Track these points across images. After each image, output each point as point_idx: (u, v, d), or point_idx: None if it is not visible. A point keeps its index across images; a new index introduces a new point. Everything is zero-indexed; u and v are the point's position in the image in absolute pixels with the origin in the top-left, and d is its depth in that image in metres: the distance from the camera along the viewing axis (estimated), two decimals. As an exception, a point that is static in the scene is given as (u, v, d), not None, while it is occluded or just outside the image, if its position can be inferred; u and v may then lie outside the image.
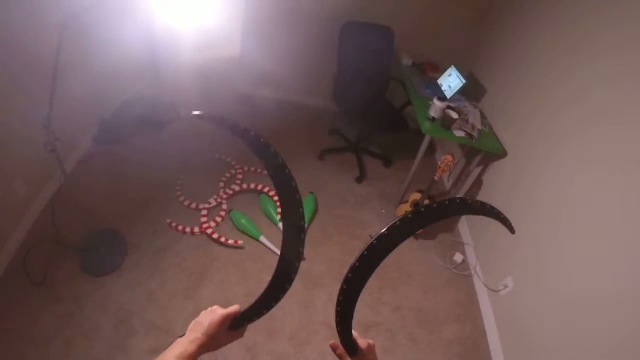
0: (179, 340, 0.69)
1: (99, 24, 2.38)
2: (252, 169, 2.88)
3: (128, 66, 3.02)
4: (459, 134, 2.50)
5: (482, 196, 2.75)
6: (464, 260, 2.69)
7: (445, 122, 2.49)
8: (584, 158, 1.85)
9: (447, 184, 3.34)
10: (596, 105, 1.83)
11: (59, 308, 1.86)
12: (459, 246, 2.81)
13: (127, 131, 2.90)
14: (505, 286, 2.25)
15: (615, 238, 1.60)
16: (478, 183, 2.80)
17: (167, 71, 3.45)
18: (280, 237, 2.54)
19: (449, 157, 2.39)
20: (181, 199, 2.52)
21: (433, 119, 2.53)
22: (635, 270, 1.47)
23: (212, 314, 0.73)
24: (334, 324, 0.72)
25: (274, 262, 2.44)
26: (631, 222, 1.54)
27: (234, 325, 0.75)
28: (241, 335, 0.78)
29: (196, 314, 2.13)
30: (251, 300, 2.19)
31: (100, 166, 2.62)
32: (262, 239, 2.35)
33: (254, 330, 1.91)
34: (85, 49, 2.36)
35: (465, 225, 2.89)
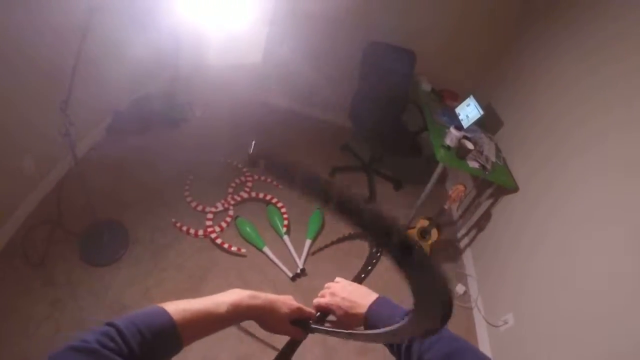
0: (236, 289, 0.68)
1: (127, 15, 2.39)
2: (263, 178, 2.87)
3: (150, 61, 3.02)
4: (473, 165, 2.48)
5: (490, 229, 2.73)
6: (465, 292, 2.65)
7: (461, 152, 2.48)
8: (593, 208, 1.83)
9: (455, 214, 3.31)
10: (611, 154, 1.82)
11: (53, 292, 1.84)
12: (462, 277, 2.77)
13: (141, 125, 2.91)
14: (506, 322, 2.22)
15: (620, 285, 1.59)
16: (487, 216, 2.78)
17: (188, 71, 3.47)
18: (284, 250, 2.52)
19: (461, 187, 2.37)
20: (188, 199, 2.51)
21: (448, 147, 2.52)
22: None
23: (288, 298, 0.73)
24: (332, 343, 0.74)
25: (275, 275, 2.43)
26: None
27: (301, 325, 0.74)
28: (301, 336, 0.75)
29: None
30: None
31: (111, 156, 2.62)
32: (266, 249, 2.33)
33: (248, 341, 1.90)
34: (111, 39, 2.37)
35: (470, 256, 2.87)
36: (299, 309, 0.74)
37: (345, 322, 0.75)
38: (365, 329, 0.73)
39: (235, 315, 0.65)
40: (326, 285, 0.82)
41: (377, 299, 0.75)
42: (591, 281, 1.75)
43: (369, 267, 0.67)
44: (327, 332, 0.73)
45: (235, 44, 3.92)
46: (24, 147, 2.00)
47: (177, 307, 0.58)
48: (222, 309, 0.63)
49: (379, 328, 0.63)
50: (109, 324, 0.50)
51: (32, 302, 1.78)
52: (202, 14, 2.83)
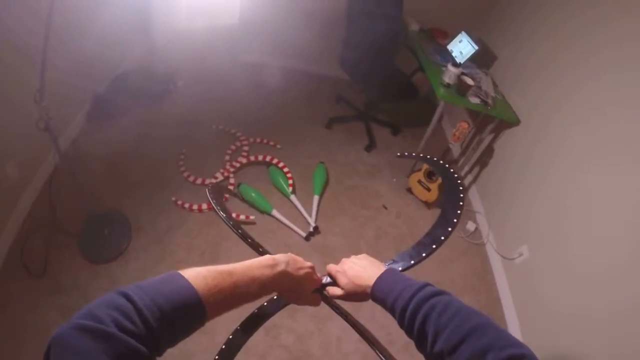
0: (265, 259, 0.66)
1: None
2: (259, 140, 2.76)
3: (121, 37, 2.81)
4: (475, 100, 2.43)
5: (493, 165, 2.71)
6: (476, 229, 2.67)
7: (461, 89, 2.41)
8: (604, 137, 1.79)
9: (457, 152, 3.28)
10: (619, 82, 1.76)
11: (62, 300, 1.74)
12: (471, 215, 2.77)
13: (122, 105, 2.74)
14: (521, 254, 2.23)
15: (633, 205, 1.57)
16: (489, 152, 2.75)
17: (162, 41, 3.26)
18: (293, 210, 2.49)
19: (465, 124, 2.32)
20: (185, 174, 2.40)
21: (448, 85, 2.45)
22: None
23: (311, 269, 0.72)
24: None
25: (288, 237, 2.39)
26: None
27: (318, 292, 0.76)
28: (317, 304, 0.76)
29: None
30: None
31: (97, 144, 2.46)
32: (275, 212, 2.27)
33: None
34: (75, 20, 2.16)
35: (476, 193, 2.86)
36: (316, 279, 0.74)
37: (351, 293, 0.72)
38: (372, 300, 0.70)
39: (265, 292, 0.63)
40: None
41: (385, 272, 0.69)
42: (602, 205, 1.73)
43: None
44: (331, 306, 0.77)
45: (209, 5, 3.69)
46: (3, 152, 1.83)
47: (205, 282, 0.52)
48: (253, 288, 0.60)
49: (383, 301, 0.64)
50: (124, 295, 0.44)
51: (42, 314, 1.68)
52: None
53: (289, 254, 0.69)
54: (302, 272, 0.69)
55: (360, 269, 0.72)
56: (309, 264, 0.72)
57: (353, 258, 0.76)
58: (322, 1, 3.14)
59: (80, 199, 1.96)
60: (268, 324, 1.79)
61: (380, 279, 0.68)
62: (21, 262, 1.81)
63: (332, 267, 0.77)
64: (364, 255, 0.76)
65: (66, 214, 1.99)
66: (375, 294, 0.67)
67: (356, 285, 0.70)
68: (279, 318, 1.87)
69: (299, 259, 0.70)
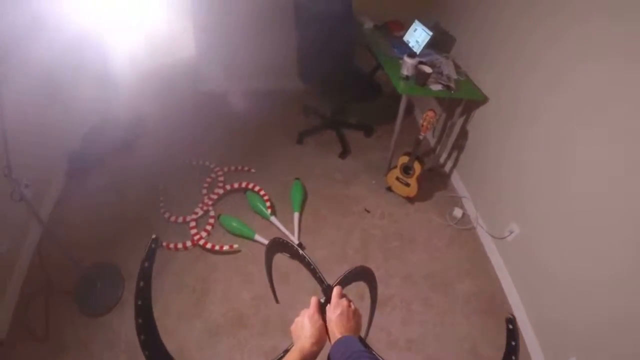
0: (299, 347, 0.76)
1: (40, 50, 2.21)
2: (232, 168, 2.77)
3: (86, 92, 2.84)
4: (437, 87, 2.42)
5: (471, 146, 2.70)
6: (464, 214, 2.65)
7: (420, 78, 2.41)
8: (575, 98, 1.78)
9: (432, 141, 3.27)
10: (582, 38, 1.74)
11: (68, 358, 1.76)
12: (457, 201, 2.76)
13: (99, 157, 2.78)
14: (511, 232, 2.22)
15: (615, 167, 1.57)
16: (464, 134, 2.74)
17: (126, 86, 3.29)
18: (275, 231, 2.48)
19: (431, 114, 2.31)
20: (166, 215, 2.41)
21: (407, 77, 2.44)
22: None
23: (308, 314, 0.82)
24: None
25: (274, 259, 2.36)
26: (628, 150, 1.51)
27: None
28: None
29: (205, 330, 2.05)
30: (259, 304, 2.13)
31: (80, 201, 2.48)
32: (257, 237, 2.27)
33: (269, 334, 1.88)
34: (33, 82, 2.18)
35: (459, 178, 2.85)
36: (317, 307, 0.85)
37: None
38: None
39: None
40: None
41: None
42: (585, 168, 1.73)
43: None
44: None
45: (164, 43, 3.72)
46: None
47: None
48: None
49: None
50: None
51: None
52: (118, 22, 2.66)
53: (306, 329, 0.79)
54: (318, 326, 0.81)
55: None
56: (311, 312, 0.83)
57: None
58: (271, 19, 3.15)
59: (72, 257, 1.99)
60: (267, 347, 1.79)
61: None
62: (25, 327, 1.84)
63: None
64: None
65: (60, 274, 2.02)
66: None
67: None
68: (278, 340, 1.88)
69: (306, 324, 0.80)
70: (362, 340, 0.84)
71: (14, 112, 1.43)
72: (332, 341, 0.77)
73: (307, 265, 0.90)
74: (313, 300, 0.84)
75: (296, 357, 0.73)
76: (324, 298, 0.87)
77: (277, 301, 1.01)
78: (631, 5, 1.47)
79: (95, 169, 2.71)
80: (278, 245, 0.96)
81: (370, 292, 1.07)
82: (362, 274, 1.01)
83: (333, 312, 0.81)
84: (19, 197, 1.58)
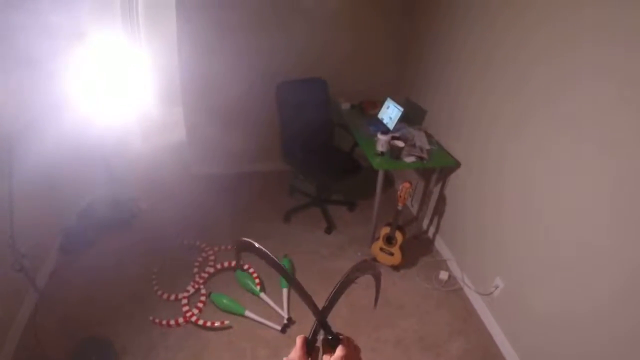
0: None
1: (45, 136, 2.40)
2: (223, 247, 2.87)
3: (82, 172, 3.02)
4: (410, 159, 2.59)
5: (450, 210, 2.84)
6: (450, 276, 2.72)
7: (394, 153, 2.58)
8: (534, 142, 1.97)
9: (414, 209, 3.42)
10: (538, 87, 1.95)
11: None
12: (441, 264, 2.84)
13: (93, 235, 2.86)
14: (497, 286, 2.29)
15: (583, 209, 1.71)
16: (442, 199, 2.89)
17: (120, 168, 3.47)
18: (265, 307, 2.53)
19: (407, 185, 2.47)
20: (159, 293, 2.46)
21: (382, 153, 2.62)
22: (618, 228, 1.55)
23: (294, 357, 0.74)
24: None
25: (265, 334, 2.44)
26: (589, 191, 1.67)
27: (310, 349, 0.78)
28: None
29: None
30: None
31: (73, 275, 2.54)
32: (248, 313, 2.31)
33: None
34: (37, 162, 2.35)
35: (442, 242, 2.95)
36: (303, 347, 0.76)
37: None
38: None
39: None
40: None
41: None
42: (561, 221, 1.84)
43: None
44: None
45: (157, 128, 3.98)
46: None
47: None
48: None
49: None
50: None
51: None
52: (114, 108, 2.90)
53: None
54: None
55: None
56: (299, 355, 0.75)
57: None
58: (256, 104, 3.43)
59: (65, 329, 2.04)
60: None
61: None
62: None
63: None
64: None
65: (53, 345, 2.02)
66: None
67: None
68: None
69: None
70: None
71: (18, 188, 1.57)
72: None
73: (282, 270, 0.81)
74: (298, 341, 0.77)
75: None
76: (311, 334, 0.79)
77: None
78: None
79: (89, 246, 2.78)
80: (248, 245, 0.82)
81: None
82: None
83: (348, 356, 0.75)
84: (19, 266, 1.66)
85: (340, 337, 0.77)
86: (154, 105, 3.93)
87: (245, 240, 0.76)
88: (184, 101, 3.37)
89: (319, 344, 0.80)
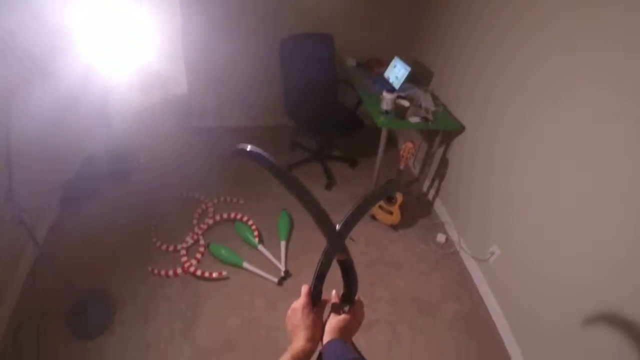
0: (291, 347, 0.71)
1: (43, 90, 2.35)
2: (222, 199, 2.87)
3: (82, 125, 2.97)
4: (415, 120, 2.55)
5: (451, 174, 2.82)
6: (447, 239, 2.73)
7: (399, 112, 2.54)
8: (547, 131, 1.91)
9: (415, 171, 3.40)
10: (535, 48, 1.94)
11: None
12: (440, 226, 2.85)
13: (92, 188, 2.85)
14: (492, 253, 2.31)
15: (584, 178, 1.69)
16: (444, 163, 2.87)
17: (120, 120, 3.42)
18: (263, 259, 2.55)
19: (410, 145, 2.44)
20: (158, 244, 2.47)
21: (386, 112, 2.58)
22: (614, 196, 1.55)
23: (298, 307, 0.76)
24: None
25: (262, 286, 2.47)
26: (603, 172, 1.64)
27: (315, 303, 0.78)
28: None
29: (195, 354, 2.12)
30: (248, 328, 2.16)
31: (73, 228, 2.55)
32: (245, 264, 2.33)
33: (257, 358, 1.91)
34: (35, 116, 2.30)
35: (441, 205, 2.95)
36: (307, 299, 0.78)
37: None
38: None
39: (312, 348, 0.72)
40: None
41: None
42: (564, 191, 1.82)
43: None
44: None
45: (157, 79, 3.89)
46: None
47: None
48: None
49: None
50: None
51: None
52: (114, 57, 2.82)
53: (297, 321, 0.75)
54: (306, 319, 0.74)
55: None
56: (302, 303, 0.77)
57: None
58: (259, 57, 3.34)
59: (64, 282, 2.04)
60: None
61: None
62: (16, 351, 1.84)
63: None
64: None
65: (52, 298, 2.04)
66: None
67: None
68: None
69: (296, 314, 0.76)
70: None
71: (16, 143, 1.54)
72: (327, 338, 0.73)
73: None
74: (303, 290, 0.79)
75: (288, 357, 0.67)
76: (315, 285, 0.79)
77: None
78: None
79: (88, 199, 2.77)
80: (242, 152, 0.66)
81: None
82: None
83: (354, 320, 0.78)
84: (19, 220, 1.64)
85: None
86: (154, 59, 3.82)
87: (239, 148, 0.65)
88: (185, 54, 3.27)
89: (334, 299, 0.82)
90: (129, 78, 3.59)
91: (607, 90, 1.57)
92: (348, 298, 0.80)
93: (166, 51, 3.68)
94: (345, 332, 0.74)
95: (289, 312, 0.78)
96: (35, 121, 2.22)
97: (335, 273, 0.77)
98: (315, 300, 0.78)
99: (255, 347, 1.99)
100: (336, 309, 0.79)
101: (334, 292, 0.83)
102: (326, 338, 0.73)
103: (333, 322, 0.76)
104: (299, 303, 0.77)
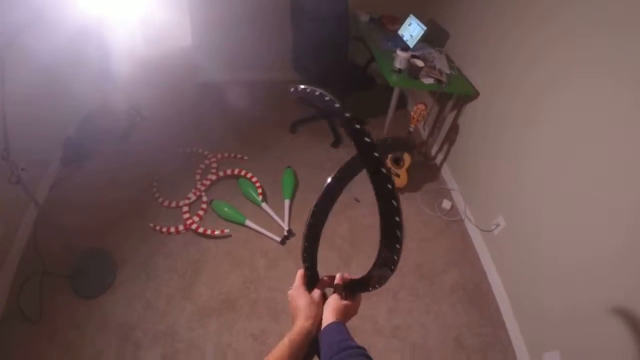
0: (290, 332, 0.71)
1: (40, 42, 2.23)
2: (226, 155, 2.81)
3: (83, 79, 2.85)
4: (428, 81, 2.45)
5: (461, 140, 2.74)
6: (452, 206, 2.69)
7: (412, 72, 2.44)
8: (565, 100, 1.82)
9: (424, 134, 3.31)
10: (563, 25, 1.81)
11: (62, 340, 1.78)
12: (446, 193, 2.80)
13: (93, 145, 2.79)
14: (498, 225, 2.27)
15: (604, 167, 1.61)
16: (455, 128, 2.78)
17: (123, 76, 3.31)
18: (266, 217, 2.52)
19: (421, 106, 2.35)
20: (160, 200, 2.44)
21: (399, 70, 2.48)
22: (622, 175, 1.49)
23: (292, 291, 0.77)
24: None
25: (264, 245, 2.44)
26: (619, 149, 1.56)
27: (309, 287, 0.79)
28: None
29: (196, 312, 2.10)
30: (249, 287, 2.15)
31: (74, 186, 2.51)
32: (248, 222, 2.31)
33: (257, 317, 1.92)
34: (33, 70, 2.20)
35: (448, 171, 2.89)
36: (301, 282, 0.79)
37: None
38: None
39: (310, 332, 0.71)
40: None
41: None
42: (577, 172, 1.76)
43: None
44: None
45: (160, 31, 3.73)
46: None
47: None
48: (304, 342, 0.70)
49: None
50: None
51: (46, 356, 1.73)
52: (115, 7, 2.68)
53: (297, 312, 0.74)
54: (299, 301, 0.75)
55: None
56: (295, 286, 0.78)
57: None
58: (267, 9, 3.17)
59: (66, 241, 2.03)
60: (255, 329, 1.84)
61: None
62: (18, 309, 1.85)
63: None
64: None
65: (54, 257, 2.03)
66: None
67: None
68: (266, 322, 1.92)
69: (292, 298, 0.76)
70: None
71: (13, 99, 1.47)
72: (329, 319, 0.71)
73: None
74: (298, 274, 0.80)
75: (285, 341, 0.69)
76: (308, 267, 0.79)
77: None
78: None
79: (90, 155, 2.72)
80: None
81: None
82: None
83: (353, 307, 0.77)
84: (16, 179, 1.61)
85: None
86: (159, 11, 3.64)
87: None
88: (190, 4, 3.11)
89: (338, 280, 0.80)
90: (132, 29, 3.44)
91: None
92: (360, 287, 0.77)
93: (170, 2, 3.50)
94: (345, 317, 0.74)
95: (289, 298, 0.79)
96: (32, 75, 2.13)
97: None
98: (311, 283, 0.79)
99: (255, 305, 1.99)
100: (339, 291, 0.78)
101: (338, 275, 0.81)
102: (327, 318, 0.72)
103: (335, 304, 0.74)
104: (293, 287, 0.78)
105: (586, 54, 1.68)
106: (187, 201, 2.43)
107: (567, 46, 1.80)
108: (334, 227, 2.43)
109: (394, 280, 2.20)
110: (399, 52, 2.45)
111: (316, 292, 0.77)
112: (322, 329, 0.70)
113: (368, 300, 2.13)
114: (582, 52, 1.71)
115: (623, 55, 1.49)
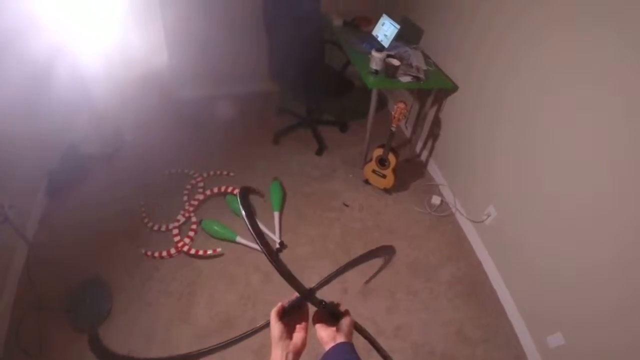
0: None
1: (13, 75, 2.20)
2: (211, 173, 2.79)
3: (62, 111, 2.82)
4: (406, 79, 2.46)
5: (444, 134, 2.75)
6: (442, 201, 2.70)
7: (389, 72, 2.44)
8: (540, 79, 1.84)
9: (407, 132, 3.32)
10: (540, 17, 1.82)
11: None
12: (434, 189, 2.81)
13: (79, 173, 2.76)
14: (489, 215, 2.28)
15: (581, 149, 1.63)
16: (437, 123, 2.79)
17: (100, 99, 3.29)
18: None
19: (401, 105, 2.36)
20: (150, 224, 2.42)
21: (376, 71, 2.47)
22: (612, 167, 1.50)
23: (272, 323, 0.74)
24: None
25: (256, 260, 2.42)
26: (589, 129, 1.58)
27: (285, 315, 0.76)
28: (306, 319, 0.77)
29: (196, 334, 2.08)
30: (245, 304, 2.13)
31: (62, 218, 2.47)
32: (239, 239, 2.29)
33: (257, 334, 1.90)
34: (6, 104, 2.18)
35: (435, 166, 2.90)
36: (277, 314, 0.75)
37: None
38: None
39: None
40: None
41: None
42: (552, 154, 1.78)
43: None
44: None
45: (136, 53, 3.71)
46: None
47: None
48: None
49: None
50: None
51: None
52: (89, 33, 2.66)
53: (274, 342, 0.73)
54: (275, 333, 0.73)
55: None
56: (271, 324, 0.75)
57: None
58: (241, 22, 3.17)
59: (59, 274, 2.02)
60: (254, 345, 1.83)
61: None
62: (18, 346, 1.83)
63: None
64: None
65: (49, 291, 2.01)
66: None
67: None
68: (265, 337, 1.91)
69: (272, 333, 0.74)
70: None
71: None
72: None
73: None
74: (272, 314, 0.75)
75: None
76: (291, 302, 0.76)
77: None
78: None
79: (76, 185, 2.69)
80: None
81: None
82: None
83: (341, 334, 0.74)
84: (3, 218, 1.60)
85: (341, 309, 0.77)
86: (132, 29, 3.62)
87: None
88: (164, 21, 3.09)
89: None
90: (106, 54, 3.42)
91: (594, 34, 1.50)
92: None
93: (143, 21, 3.48)
94: (347, 335, 0.73)
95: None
96: (7, 111, 2.10)
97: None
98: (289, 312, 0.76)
99: (254, 322, 1.98)
100: (324, 320, 0.78)
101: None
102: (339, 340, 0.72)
103: (345, 327, 0.74)
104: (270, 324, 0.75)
105: (560, 19, 1.70)
106: (176, 223, 2.41)
107: (532, 21, 1.84)
108: (326, 235, 2.42)
109: (390, 280, 2.23)
110: (374, 53, 2.45)
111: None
112: (331, 347, 0.70)
113: (366, 302, 2.15)
114: (550, 23, 1.74)
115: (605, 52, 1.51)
